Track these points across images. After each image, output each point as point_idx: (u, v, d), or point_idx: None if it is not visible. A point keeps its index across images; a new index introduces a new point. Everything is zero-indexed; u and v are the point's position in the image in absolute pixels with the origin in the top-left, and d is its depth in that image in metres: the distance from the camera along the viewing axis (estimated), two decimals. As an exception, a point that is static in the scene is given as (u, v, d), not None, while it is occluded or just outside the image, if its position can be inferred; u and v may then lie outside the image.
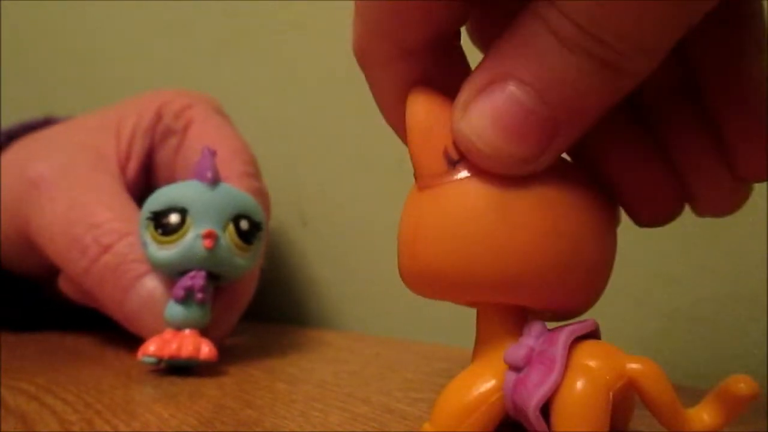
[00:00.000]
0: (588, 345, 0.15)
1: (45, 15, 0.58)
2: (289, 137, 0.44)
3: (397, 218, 0.16)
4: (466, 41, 0.18)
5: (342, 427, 0.18)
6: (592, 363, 0.14)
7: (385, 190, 0.16)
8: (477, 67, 0.15)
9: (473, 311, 0.17)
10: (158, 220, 0.25)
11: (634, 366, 0.14)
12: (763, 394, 0.14)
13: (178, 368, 0.25)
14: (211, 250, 0.25)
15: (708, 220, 0.29)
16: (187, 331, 0.25)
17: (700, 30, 0.14)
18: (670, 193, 0.18)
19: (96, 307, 0.30)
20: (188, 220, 0.25)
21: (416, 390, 0.22)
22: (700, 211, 0.18)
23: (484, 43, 0.18)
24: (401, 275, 0.16)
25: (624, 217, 0.18)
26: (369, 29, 0.16)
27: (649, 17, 0.12)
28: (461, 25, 0.17)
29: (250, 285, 0.29)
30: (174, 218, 0.25)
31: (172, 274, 0.26)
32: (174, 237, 0.25)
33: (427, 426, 0.16)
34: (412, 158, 0.16)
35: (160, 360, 0.24)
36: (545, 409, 0.14)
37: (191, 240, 0.25)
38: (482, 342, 0.16)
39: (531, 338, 0.15)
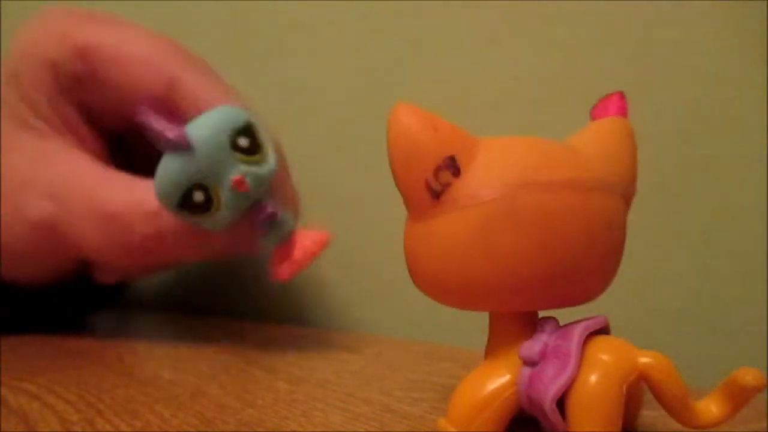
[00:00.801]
0: (600, 340, 0.15)
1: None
2: (292, 137, 0.44)
3: (399, 218, 0.17)
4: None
5: (343, 426, 0.18)
6: (605, 357, 0.15)
7: (389, 190, 0.16)
8: None
9: (475, 311, 0.17)
10: (187, 206, 0.25)
11: (645, 360, 0.15)
12: (763, 394, 0.15)
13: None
14: (248, 191, 0.25)
15: (708, 221, 0.29)
16: (292, 238, 0.27)
17: None
18: None
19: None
20: (209, 188, 0.25)
21: (417, 390, 0.22)
22: None
23: None
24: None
25: (629, 219, 0.18)
26: None
27: None
28: None
29: (281, 165, 0.29)
30: (198, 196, 0.25)
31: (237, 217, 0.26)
32: (213, 208, 0.25)
33: (442, 421, 0.16)
34: (400, 192, 0.16)
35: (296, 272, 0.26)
36: (560, 403, 0.15)
37: (227, 198, 0.25)
38: (495, 339, 0.17)
39: (545, 334, 0.16)
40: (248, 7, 0.45)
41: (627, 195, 0.17)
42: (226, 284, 0.44)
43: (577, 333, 0.15)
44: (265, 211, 0.26)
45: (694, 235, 0.29)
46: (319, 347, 0.29)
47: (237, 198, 0.25)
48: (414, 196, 0.16)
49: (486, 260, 0.15)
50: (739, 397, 0.14)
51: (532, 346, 0.15)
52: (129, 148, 0.33)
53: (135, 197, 0.28)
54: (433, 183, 0.15)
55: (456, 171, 0.15)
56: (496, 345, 0.17)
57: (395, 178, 0.16)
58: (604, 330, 0.16)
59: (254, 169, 0.25)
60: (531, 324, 0.16)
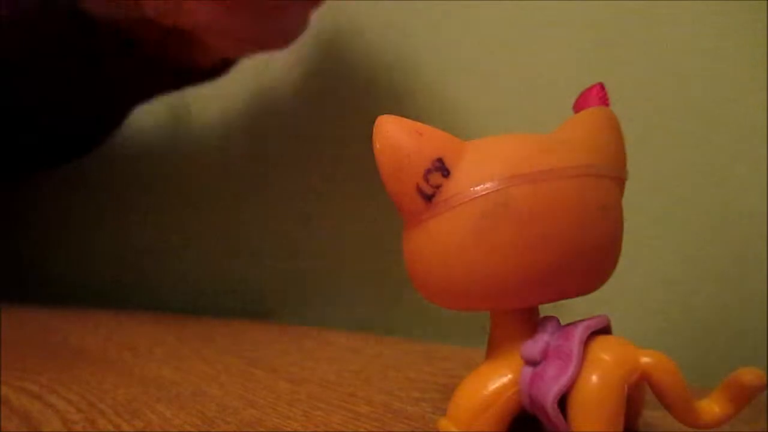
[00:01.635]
0: (602, 339, 0.15)
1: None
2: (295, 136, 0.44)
3: (399, 217, 0.17)
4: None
5: (344, 426, 0.18)
6: (606, 357, 0.15)
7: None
8: None
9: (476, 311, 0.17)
10: None
11: (647, 360, 0.15)
12: (764, 394, 0.15)
13: None
14: None
15: (709, 222, 0.29)
16: None
17: None
18: None
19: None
20: None
21: (418, 390, 0.22)
22: None
23: None
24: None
25: (627, 220, 0.18)
26: None
27: None
28: None
29: None
30: None
31: None
32: None
33: (443, 421, 0.16)
34: (393, 201, 0.16)
35: None
36: (562, 403, 0.15)
37: None
38: (496, 339, 0.17)
39: (546, 334, 0.16)
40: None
41: (618, 178, 0.17)
42: (227, 284, 0.44)
43: (579, 333, 0.15)
44: None
45: (695, 235, 0.29)
46: (321, 347, 0.29)
47: None
48: (407, 202, 0.16)
49: (484, 256, 0.15)
50: (740, 397, 0.14)
51: (533, 346, 0.16)
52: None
53: None
54: (424, 186, 0.16)
55: (445, 172, 0.16)
56: (497, 345, 0.17)
57: (386, 187, 0.16)
58: (605, 330, 0.16)
59: None
60: (532, 323, 0.16)
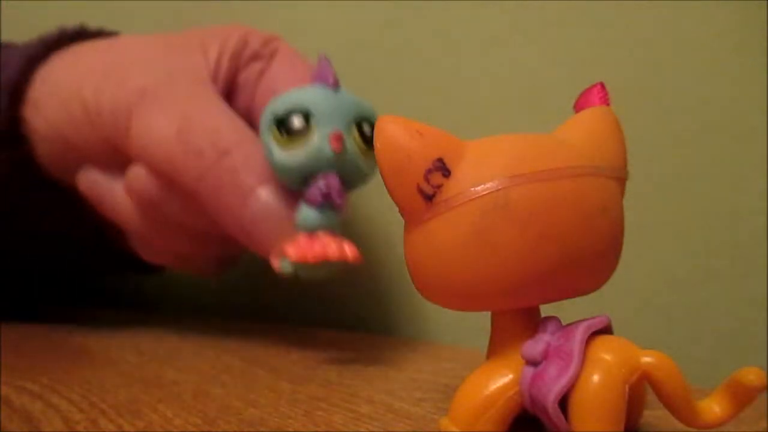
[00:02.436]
0: (603, 339, 0.15)
1: (46, 15, 0.58)
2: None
3: (399, 217, 0.17)
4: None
5: (346, 426, 0.18)
6: (607, 357, 0.15)
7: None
8: None
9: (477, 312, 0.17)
10: (282, 123, 0.24)
11: (648, 359, 0.15)
12: (764, 395, 0.15)
13: (313, 279, 0.24)
14: (339, 153, 0.24)
15: (709, 222, 0.29)
16: (322, 234, 0.24)
17: None
18: None
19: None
20: (313, 122, 0.24)
21: (420, 390, 0.22)
22: None
23: None
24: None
25: (628, 220, 0.18)
26: None
27: None
28: None
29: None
30: (297, 122, 0.24)
31: (294, 181, 0.25)
32: (299, 140, 0.24)
33: (445, 421, 0.16)
34: (394, 201, 0.16)
35: (296, 267, 0.24)
36: (563, 403, 0.15)
37: (318, 142, 0.24)
38: (497, 340, 0.17)
39: (547, 334, 0.16)
40: (245, 7, 0.45)
41: (619, 178, 0.17)
42: (228, 284, 0.44)
43: (580, 333, 0.15)
44: (332, 185, 0.24)
45: (695, 235, 0.29)
46: (322, 347, 0.29)
47: (321, 150, 0.24)
48: (408, 203, 0.16)
49: (485, 256, 0.15)
50: (742, 397, 0.14)
51: (534, 346, 0.16)
52: None
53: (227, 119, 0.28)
54: (424, 186, 0.16)
55: (446, 172, 0.16)
56: (498, 345, 0.17)
57: (387, 188, 0.16)
58: (606, 330, 0.16)
59: (355, 148, 0.24)
60: (533, 323, 0.16)
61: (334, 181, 0.24)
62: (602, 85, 0.18)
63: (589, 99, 0.18)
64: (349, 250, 0.24)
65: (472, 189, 0.15)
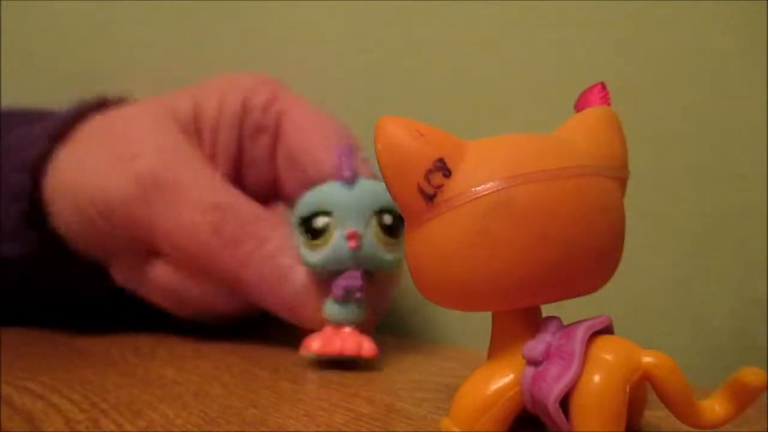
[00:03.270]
0: (604, 339, 0.15)
1: (45, 15, 0.58)
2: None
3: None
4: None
5: (347, 426, 0.18)
6: (608, 357, 0.15)
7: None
8: None
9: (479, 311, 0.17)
10: (307, 224, 0.26)
11: (649, 359, 0.15)
12: (764, 395, 0.15)
13: (338, 362, 0.26)
14: (356, 250, 0.25)
15: (709, 222, 0.29)
16: (347, 329, 0.26)
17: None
18: None
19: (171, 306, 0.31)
20: (332, 223, 0.25)
21: (421, 390, 0.22)
22: None
23: None
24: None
25: (628, 220, 0.18)
26: None
27: None
28: None
29: (396, 274, 0.29)
30: (319, 222, 0.25)
31: (324, 275, 0.26)
32: (322, 240, 0.25)
33: (446, 421, 0.16)
34: (395, 201, 0.16)
35: (318, 356, 0.25)
36: (564, 403, 0.15)
37: (337, 242, 0.25)
38: (498, 340, 0.17)
39: (548, 334, 0.16)
40: (247, 7, 0.45)
41: (619, 178, 0.17)
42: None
43: (581, 333, 0.15)
44: (354, 282, 0.25)
45: (695, 235, 0.29)
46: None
47: (340, 250, 0.25)
48: (409, 203, 0.16)
49: (486, 256, 0.15)
50: (743, 397, 0.14)
51: (535, 346, 0.16)
52: None
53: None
54: (425, 187, 0.16)
55: (447, 172, 0.16)
56: (499, 345, 0.17)
57: (388, 188, 0.16)
58: (607, 330, 0.16)
59: (374, 242, 0.25)
60: (534, 323, 0.16)
61: (356, 279, 0.25)
62: (603, 85, 0.18)
63: (589, 99, 0.18)
64: (365, 349, 0.25)
65: (473, 189, 0.15)
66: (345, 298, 0.25)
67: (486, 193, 0.15)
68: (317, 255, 0.26)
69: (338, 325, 0.26)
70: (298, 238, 0.26)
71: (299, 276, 0.27)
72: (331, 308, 0.26)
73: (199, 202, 0.28)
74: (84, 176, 0.30)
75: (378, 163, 0.16)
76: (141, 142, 0.30)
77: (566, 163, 0.16)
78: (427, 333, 0.36)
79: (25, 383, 0.23)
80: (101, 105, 0.33)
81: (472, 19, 0.35)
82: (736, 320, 0.28)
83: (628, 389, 0.14)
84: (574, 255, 0.15)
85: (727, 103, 0.29)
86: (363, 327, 0.26)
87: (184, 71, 0.50)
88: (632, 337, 0.16)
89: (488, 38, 0.35)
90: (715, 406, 0.15)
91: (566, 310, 0.17)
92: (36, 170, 0.30)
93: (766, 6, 0.28)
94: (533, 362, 0.15)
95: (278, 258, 0.28)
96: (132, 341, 0.31)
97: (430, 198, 0.16)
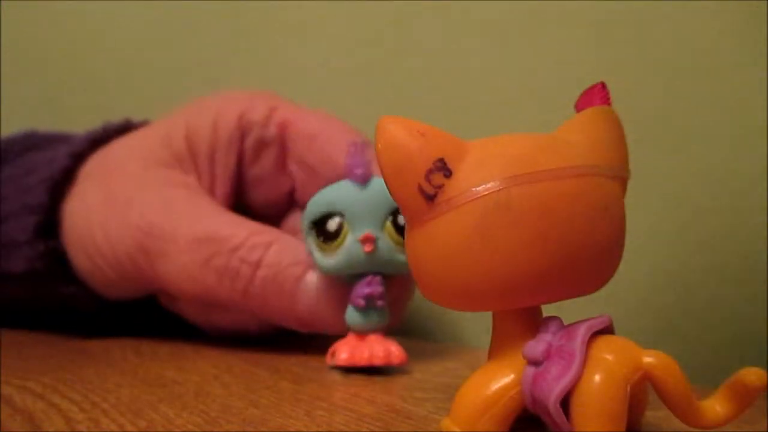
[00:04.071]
0: (604, 339, 0.15)
1: (45, 15, 0.58)
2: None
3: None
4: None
5: (347, 426, 0.18)
6: (609, 357, 0.15)
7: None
8: None
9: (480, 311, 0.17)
10: (319, 228, 0.25)
11: (649, 359, 0.15)
12: (764, 395, 0.15)
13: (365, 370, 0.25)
14: (371, 254, 0.24)
15: (709, 222, 0.29)
16: (372, 336, 0.25)
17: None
18: None
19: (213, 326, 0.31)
20: (345, 225, 0.24)
21: (422, 390, 0.22)
22: None
23: None
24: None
25: (629, 220, 0.18)
26: None
27: None
28: None
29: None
30: (332, 224, 0.24)
31: (341, 278, 0.26)
32: (335, 243, 0.25)
33: (446, 421, 0.16)
34: (395, 201, 0.16)
35: (346, 367, 0.25)
36: (564, 403, 0.15)
37: (350, 245, 0.24)
38: (498, 340, 0.17)
39: (549, 334, 0.16)
40: (248, 8, 0.45)
41: (620, 177, 0.17)
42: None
43: (581, 333, 0.15)
44: (374, 289, 0.25)
45: (695, 235, 0.29)
46: (324, 347, 0.29)
47: (354, 253, 0.24)
48: (409, 203, 0.16)
49: (486, 256, 0.15)
50: (743, 397, 0.14)
51: (536, 346, 0.16)
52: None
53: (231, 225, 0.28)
54: (425, 186, 0.16)
55: (447, 172, 0.16)
56: (499, 345, 0.17)
57: (389, 188, 0.16)
58: (607, 330, 0.16)
59: (390, 244, 0.25)
60: (534, 323, 0.16)
61: (376, 285, 0.25)
62: (603, 85, 0.18)
63: (590, 99, 0.18)
64: (395, 355, 0.25)
65: (474, 189, 0.15)
66: (366, 306, 0.25)
67: (486, 193, 0.15)
68: (331, 259, 0.25)
69: (361, 333, 0.25)
70: (310, 242, 0.25)
71: (308, 289, 0.27)
72: (352, 317, 0.25)
73: (185, 240, 0.28)
74: (90, 223, 0.30)
75: (378, 163, 0.16)
76: (131, 190, 0.30)
77: (566, 163, 0.16)
78: (427, 333, 0.36)
79: (25, 383, 0.23)
80: (125, 129, 0.33)
81: (472, 19, 0.35)
82: (736, 320, 0.28)
83: (628, 389, 0.14)
84: (574, 255, 0.15)
85: (726, 103, 0.29)
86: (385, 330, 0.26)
87: (184, 71, 0.50)
88: (632, 337, 0.16)
89: (488, 38, 0.35)
90: (715, 406, 0.15)
91: (566, 310, 0.17)
92: (54, 189, 0.31)
93: (766, 6, 0.28)
94: (534, 362, 0.15)
95: (279, 277, 0.27)
96: (133, 341, 0.31)
97: (430, 198, 0.16)
